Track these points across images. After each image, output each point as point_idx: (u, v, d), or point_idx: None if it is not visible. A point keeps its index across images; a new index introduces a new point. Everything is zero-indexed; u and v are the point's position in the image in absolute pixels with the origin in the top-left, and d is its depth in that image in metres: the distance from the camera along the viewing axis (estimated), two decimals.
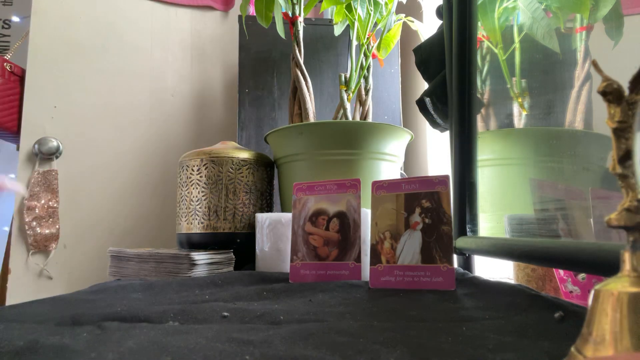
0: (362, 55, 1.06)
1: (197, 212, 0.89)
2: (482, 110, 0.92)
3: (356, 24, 1.05)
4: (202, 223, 0.88)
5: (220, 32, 1.69)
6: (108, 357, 0.27)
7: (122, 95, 1.53)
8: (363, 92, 1.07)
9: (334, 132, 0.90)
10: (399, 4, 1.15)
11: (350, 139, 0.89)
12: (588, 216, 0.64)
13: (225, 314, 0.39)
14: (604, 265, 0.36)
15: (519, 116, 0.86)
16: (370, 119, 1.07)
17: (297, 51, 1.05)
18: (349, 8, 1.06)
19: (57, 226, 1.40)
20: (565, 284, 0.66)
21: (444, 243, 0.55)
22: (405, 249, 0.57)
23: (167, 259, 0.73)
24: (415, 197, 0.59)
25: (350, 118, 1.03)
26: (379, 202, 0.61)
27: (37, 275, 1.37)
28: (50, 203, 1.39)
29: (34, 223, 1.37)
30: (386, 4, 1.08)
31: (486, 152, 0.80)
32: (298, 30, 1.05)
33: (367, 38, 1.05)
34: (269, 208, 0.98)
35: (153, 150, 1.54)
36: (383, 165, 0.93)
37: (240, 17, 1.34)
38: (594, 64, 0.22)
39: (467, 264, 0.73)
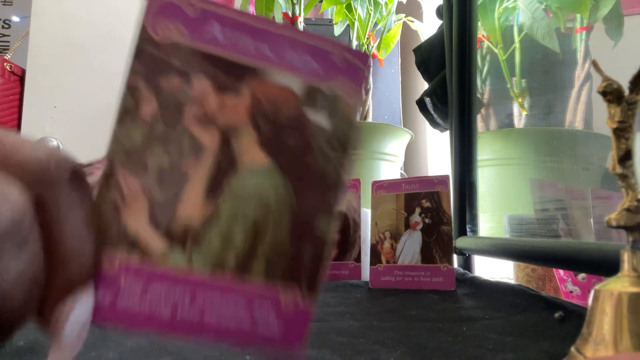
0: None
1: None
2: (482, 110, 0.92)
3: (356, 24, 1.05)
4: None
5: None
6: (108, 356, 0.27)
7: None
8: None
9: None
10: (399, 4, 1.15)
11: None
12: (588, 216, 0.64)
13: None
14: (604, 265, 0.35)
15: (519, 116, 0.86)
16: (370, 119, 1.07)
17: None
18: (349, 8, 1.06)
19: None
20: (565, 284, 0.67)
21: (444, 243, 0.55)
22: (405, 249, 0.57)
23: None
24: (415, 197, 0.59)
25: None
26: (379, 202, 0.61)
27: None
28: None
29: None
30: (386, 4, 1.08)
31: (486, 152, 0.80)
32: None
33: (367, 38, 1.05)
34: None
35: None
36: (383, 165, 0.93)
37: None
38: (594, 64, 0.22)
39: (467, 264, 0.73)
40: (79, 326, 0.16)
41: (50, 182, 0.14)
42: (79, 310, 0.15)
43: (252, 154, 0.17)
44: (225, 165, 0.17)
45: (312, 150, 0.18)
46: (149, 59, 0.18)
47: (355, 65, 0.19)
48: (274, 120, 0.18)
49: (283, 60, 0.18)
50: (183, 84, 0.18)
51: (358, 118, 0.19)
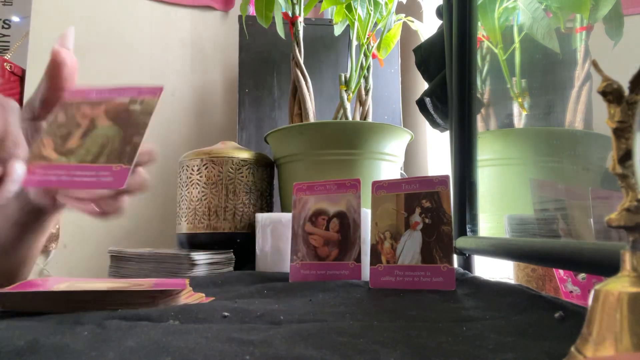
0: (362, 55, 1.06)
1: (197, 212, 0.89)
2: (482, 110, 0.92)
3: (356, 24, 1.05)
4: (202, 223, 0.88)
5: (220, 32, 1.69)
6: (109, 356, 0.27)
7: None
8: (363, 92, 1.07)
9: (334, 132, 0.90)
10: (399, 4, 1.15)
11: (350, 139, 0.89)
12: (588, 216, 0.64)
13: (226, 313, 0.39)
14: (604, 265, 0.36)
15: (519, 116, 0.86)
16: (370, 119, 1.07)
17: (297, 51, 1.05)
18: (349, 8, 1.06)
19: (57, 226, 1.40)
20: (565, 284, 0.67)
21: (444, 243, 0.55)
22: (405, 249, 0.57)
23: (167, 259, 0.73)
24: (415, 197, 0.59)
25: (350, 118, 1.03)
26: (379, 202, 0.61)
27: (37, 275, 1.37)
28: None
29: None
30: (386, 4, 1.08)
31: (486, 152, 0.80)
32: (298, 30, 1.05)
33: (367, 38, 1.05)
34: (269, 208, 0.98)
35: None
36: (383, 165, 0.93)
37: (240, 17, 1.34)
38: (594, 64, 0.22)
39: (467, 264, 0.73)
40: (19, 178, 0.36)
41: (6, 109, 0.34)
42: (19, 168, 0.36)
43: (103, 122, 0.43)
44: (90, 128, 0.43)
45: (130, 116, 0.43)
46: (62, 103, 0.45)
47: (153, 87, 0.46)
48: (114, 111, 0.44)
49: (119, 95, 0.46)
50: (75, 108, 0.45)
51: (155, 104, 0.45)
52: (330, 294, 0.52)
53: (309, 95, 1.04)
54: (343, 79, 1.04)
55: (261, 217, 0.80)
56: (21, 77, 1.46)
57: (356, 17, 1.04)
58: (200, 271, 0.72)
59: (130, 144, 0.42)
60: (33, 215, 0.47)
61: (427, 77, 0.93)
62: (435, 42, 0.90)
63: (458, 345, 0.30)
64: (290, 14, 1.06)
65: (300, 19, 1.06)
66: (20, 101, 1.44)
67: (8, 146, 0.34)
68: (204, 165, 0.89)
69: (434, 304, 0.45)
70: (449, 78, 0.82)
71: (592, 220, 0.62)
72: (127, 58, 1.55)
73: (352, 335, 0.32)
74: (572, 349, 0.21)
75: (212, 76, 1.67)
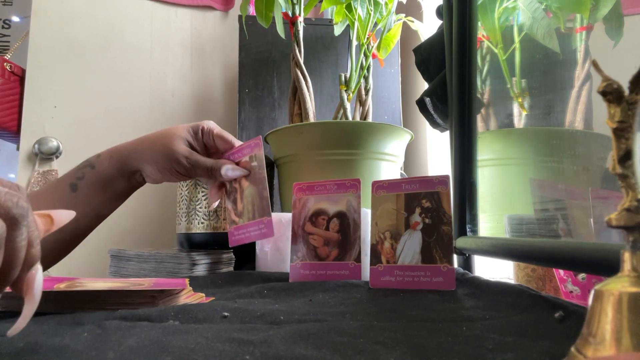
0: (362, 55, 1.06)
1: (197, 212, 0.89)
2: (482, 110, 0.92)
3: (356, 24, 1.05)
4: (202, 223, 0.88)
5: (220, 32, 1.69)
6: (109, 356, 0.27)
7: (122, 95, 1.53)
8: (363, 92, 1.07)
9: (334, 132, 0.90)
10: (399, 4, 1.15)
11: (350, 139, 0.89)
12: (588, 216, 0.64)
13: (226, 313, 0.39)
14: (604, 265, 0.36)
15: (519, 116, 0.86)
16: (370, 119, 1.07)
17: (297, 51, 1.05)
18: (349, 8, 1.06)
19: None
20: (565, 284, 0.66)
21: (444, 243, 0.55)
22: (405, 249, 0.57)
23: (168, 259, 0.73)
24: (415, 197, 0.59)
25: (350, 118, 1.03)
26: (379, 202, 0.61)
27: None
28: None
29: None
30: (386, 4, 1.08)
31: (486, 152, 0.80)
32: (298, 30, 1.05)
33: (367, 38, 1.05)
34: None
35: None
36: (383, 165, 0.93)
37: (240, 17, 1.34)
38: (594, 64, 0.22)
39: (467, 264, 0.73)
40: (40, 284, 0.28)
41: (13, 218, 0.24)
42: (39, 275, 0.28)
43: (245, 184, 0.59)
44: (241, 191, 0.59)
45: (254, 173, 0.57)
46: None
47: (255, 140, 0.54)
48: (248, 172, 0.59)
49: (242, 155, 0.57)
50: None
51: (263, 155, 0.54)
52: (330, 294, 0.52)
53: (309, 95, 1.04)
54: (343, 79, 1.04)
55: None
56: (21, 77, 1.46)
57: (356, 17, 1.04)
58: (200, 271, 0.72)
59: (263, 198, 0.54)
60: (133, 189, 0.58)
61: (427, 77, 0.93)
62: (435, 42, 0.90)
63: (458, 345, 0.30)
64: (290, 14, 1.06)
65: (300, 19, 1.06)
66: (20, 101, 1.44)
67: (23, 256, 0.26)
68: None
69: (434, 304, 0.45)
70: (449, 78, 0.82)
71: (592, 220, 0.62)
72: (127, 58, 1.55)
73: (352, 335, 0.32)
74: (572, 349, 0.21)
75: (212, 76, 1.67)
